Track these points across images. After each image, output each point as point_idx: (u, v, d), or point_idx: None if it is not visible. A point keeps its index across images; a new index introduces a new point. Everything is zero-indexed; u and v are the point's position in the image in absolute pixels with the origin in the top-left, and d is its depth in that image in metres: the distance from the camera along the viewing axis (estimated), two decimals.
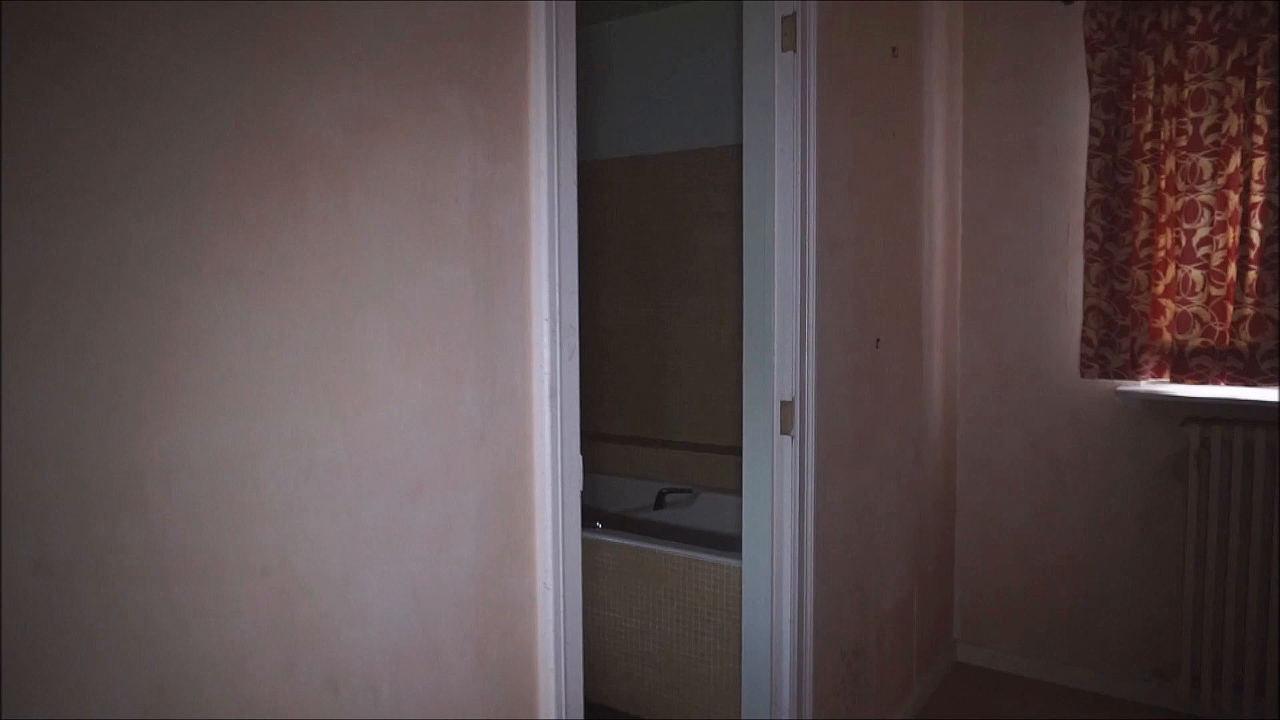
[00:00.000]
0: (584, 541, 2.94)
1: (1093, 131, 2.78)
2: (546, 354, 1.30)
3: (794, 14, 2.00)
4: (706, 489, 3.50)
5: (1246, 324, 2.56)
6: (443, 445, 1.17)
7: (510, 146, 1.27)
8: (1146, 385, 2.80)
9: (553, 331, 1.30)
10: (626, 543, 2.86)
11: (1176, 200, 2.67)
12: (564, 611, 1.34)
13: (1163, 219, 2.69)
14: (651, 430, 3.78)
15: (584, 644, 2.99)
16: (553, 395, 1.30)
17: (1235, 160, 2.57)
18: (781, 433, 2.08)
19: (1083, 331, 2.84)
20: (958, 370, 3.21)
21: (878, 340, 2.52)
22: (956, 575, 3.26)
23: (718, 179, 3.43)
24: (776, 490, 2.09)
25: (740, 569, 2.26)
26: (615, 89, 3.71)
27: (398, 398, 1.11)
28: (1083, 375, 2.85)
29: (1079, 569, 3.01)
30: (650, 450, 3.68)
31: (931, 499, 3.00)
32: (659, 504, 3.58)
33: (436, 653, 1.17)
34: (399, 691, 1.12)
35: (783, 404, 2.08)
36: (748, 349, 2.12)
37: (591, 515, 3.77)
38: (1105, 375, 2.81)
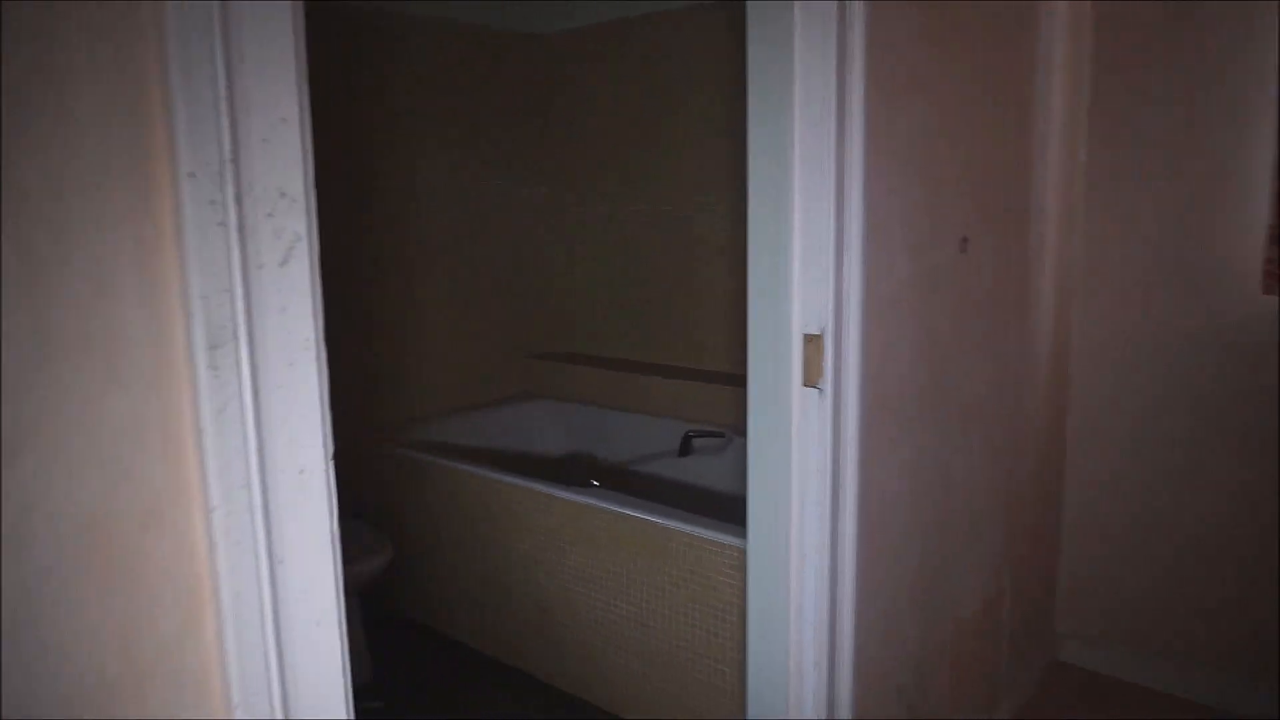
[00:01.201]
0: (571, 506, 2.28)
1: None
2: (195, 251, 0.58)
3: None
4: (743, 434, 2.78)
5: None
6: None
7: None
8: None
9: (216, 202, 0.58)
10: (619, 509, 2.19)
11: None
12: None
13: None
14: (674, 356, 3.07)
15: (566, 634, 2.37)
16: (214, 346, 0.59)
17: None
18: (805, 384, 1.34)
19: (1270, 230, 1.97)
20: (1078, 285, 2.36)
21: (964, 240, 1.72)
22: (1063, 555, 2.49)
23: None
24: (798, 475, 1.36)
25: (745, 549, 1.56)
26: None
27: None
28: (1265, 291, 1.99)
29: (1226, 555, 2.20)
30: (673, 382, 2.97)
31: (1033, 458, 2.22)
32: (684, 449, 2.90)
33: None
34: None
35: (807, 339, 1.33)
36: (753, 255, 1.37)
37: (587, 468, 3.10)
38: None
